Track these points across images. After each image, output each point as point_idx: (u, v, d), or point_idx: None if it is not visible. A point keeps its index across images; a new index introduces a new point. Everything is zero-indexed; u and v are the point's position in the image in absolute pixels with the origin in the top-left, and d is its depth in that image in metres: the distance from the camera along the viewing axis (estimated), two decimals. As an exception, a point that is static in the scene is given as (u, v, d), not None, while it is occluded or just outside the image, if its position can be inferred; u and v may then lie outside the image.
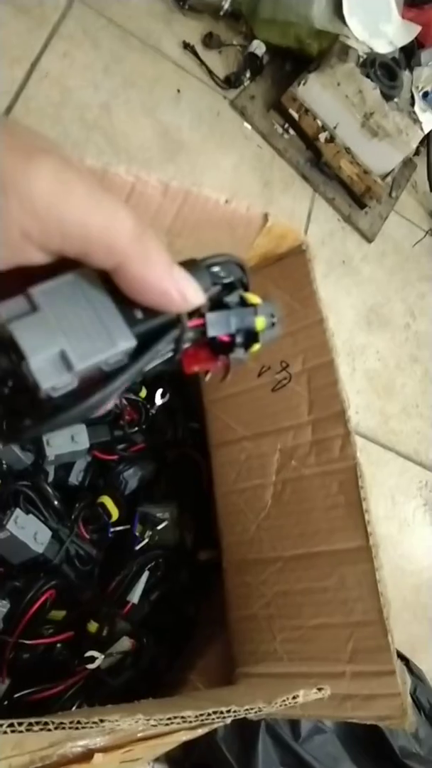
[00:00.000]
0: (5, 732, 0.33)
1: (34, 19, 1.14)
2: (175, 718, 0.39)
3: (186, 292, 0.23)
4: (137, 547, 0.65)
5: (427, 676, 0.87)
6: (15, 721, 0.33)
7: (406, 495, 1.23)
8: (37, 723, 0.34)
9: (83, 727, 0.36)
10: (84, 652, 0.56)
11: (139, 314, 0.23)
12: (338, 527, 0.53)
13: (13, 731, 0.33)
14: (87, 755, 0.48)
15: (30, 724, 0.34)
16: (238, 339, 0.28)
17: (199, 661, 0.60)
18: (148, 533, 0.66)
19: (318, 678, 0.49)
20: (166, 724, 0.39)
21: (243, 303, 0.28)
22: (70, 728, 0.35)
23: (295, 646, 0.53)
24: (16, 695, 0.53)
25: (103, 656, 0.55)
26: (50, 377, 0.21)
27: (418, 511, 1.23)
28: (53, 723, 0.34)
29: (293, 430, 0.60)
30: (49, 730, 0.34)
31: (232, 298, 0.28)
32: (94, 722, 0.36)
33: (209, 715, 0.41)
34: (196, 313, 0.26)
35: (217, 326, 0.27)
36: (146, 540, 0.65)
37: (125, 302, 0.23)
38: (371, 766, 0.72)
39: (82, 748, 0.48)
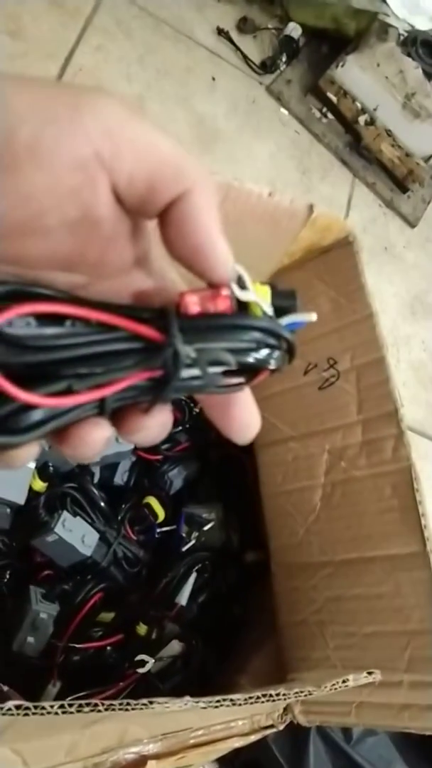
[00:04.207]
0: (56, 713, 0.33)
1: (67, 13, 1.13)
2: (224, 700, 0.38)
3: (229, 257, 0.21)
4: (184, 549, 0.64)
5: None
6: (66, 702, 0.33)
7: (454, 489, 1.20)
8: (87, 704, 0.34)
9: (133, 709, 0.35)
10: (133, 654, 0.56)
11: None
12: (392, 532, 0.51)
13: (64, 712, 0.33)
14: (140, 762, 0.47)
15: (80, 705, 0.34)
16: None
17: (248, 665, 0.60)
18: (195, 534, 0.65)
19: (374, 687, 0.47)
20: (215, 707, 0.38)
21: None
22: (120, 709, 0.35)
23: (349, 653, 0.51)
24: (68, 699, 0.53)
25: (153, 660, 0.55)
26: None
27: (467, 505, 1.19)
28: (103, 705, 0.34)
29: (342, 430, 0.58)
30: (99, 711, 0.34)
31: None
32: (144, 704, 0.35)
33: (258, 698, 0.40)
34: None
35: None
36: (193, 541, 0.65)
37: None
38: (425, 769, 0.71)
39: (135, 754, 0.48)
